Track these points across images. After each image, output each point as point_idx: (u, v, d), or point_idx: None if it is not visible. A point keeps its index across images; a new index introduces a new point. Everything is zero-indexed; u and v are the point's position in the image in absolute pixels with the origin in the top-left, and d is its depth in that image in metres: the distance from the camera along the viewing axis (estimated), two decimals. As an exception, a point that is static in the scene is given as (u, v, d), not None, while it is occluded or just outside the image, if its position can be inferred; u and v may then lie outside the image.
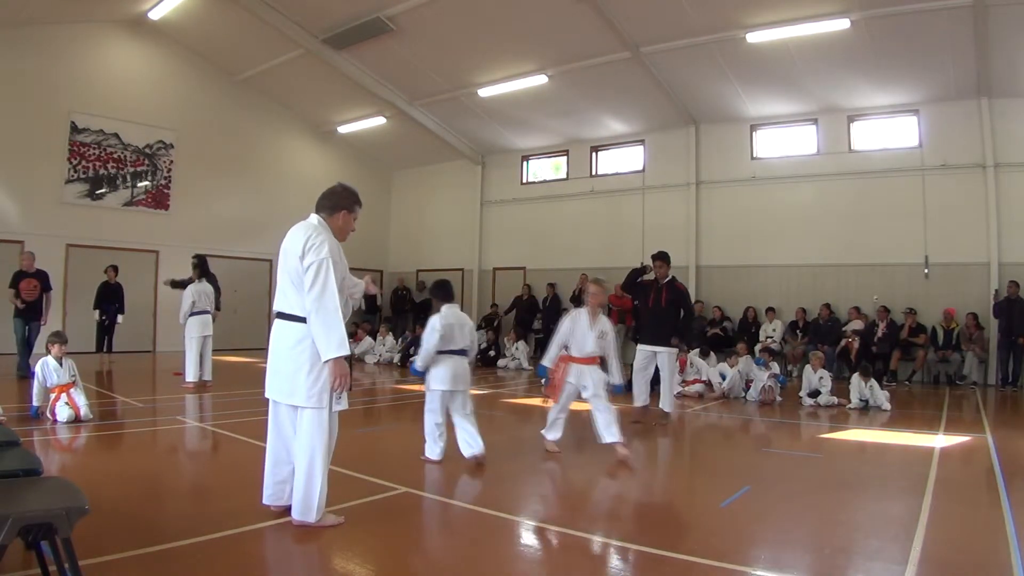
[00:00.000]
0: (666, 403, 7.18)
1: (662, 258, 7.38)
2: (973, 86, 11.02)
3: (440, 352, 4.96)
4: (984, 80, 10.80)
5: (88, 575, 2.31)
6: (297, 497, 3.33)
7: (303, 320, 3.27)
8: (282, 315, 3.37)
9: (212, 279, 9.96)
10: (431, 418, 4.96)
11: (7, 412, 5.84)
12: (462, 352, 5.08)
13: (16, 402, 6.97)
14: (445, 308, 5.11)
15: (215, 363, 9.51)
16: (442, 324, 4.98)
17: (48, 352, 6.23)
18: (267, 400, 3.51)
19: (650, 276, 7.49)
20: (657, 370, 7.31)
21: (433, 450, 4.94)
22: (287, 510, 3.43)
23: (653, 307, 7.23)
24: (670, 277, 7.33)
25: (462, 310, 5.40)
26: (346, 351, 3.23)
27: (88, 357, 11.06)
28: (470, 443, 4.90)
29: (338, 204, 3.49)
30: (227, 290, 14.21)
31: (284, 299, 3.37)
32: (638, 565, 3.13)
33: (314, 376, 3.27)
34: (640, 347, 7.32)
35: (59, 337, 6.31)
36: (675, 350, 7.27)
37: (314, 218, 3.46)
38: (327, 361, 3.22)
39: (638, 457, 5.62)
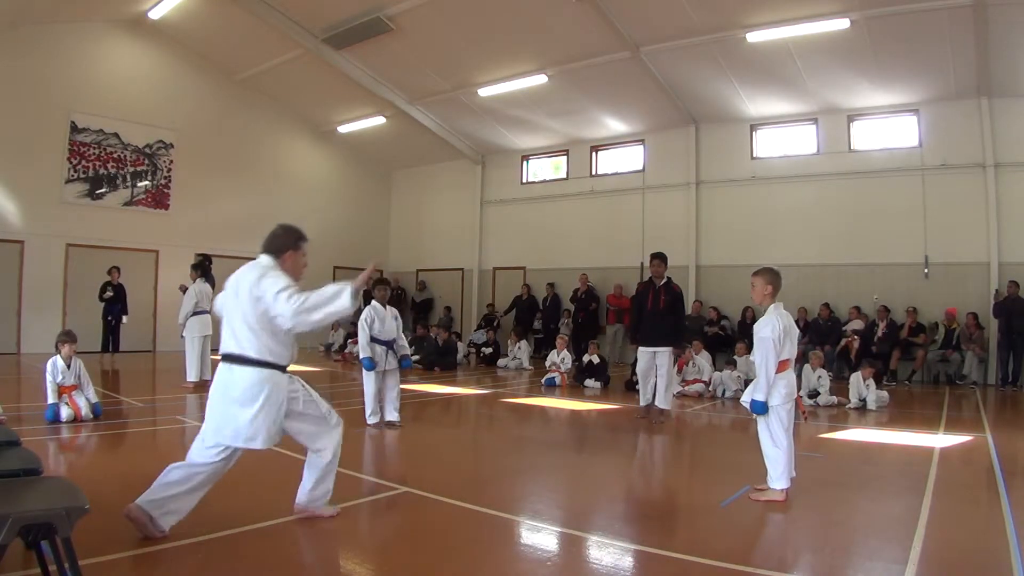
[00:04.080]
0: (663, 401, 7.24)
1: (659, 258, 7.44)
2: (973, 86, 11.02)
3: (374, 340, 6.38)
4: (984, 80, 10.80)
5: (88, 575, 2.31)
6: (304, 491, 3.52)
7: (257, 364, 3.15)
8: (231, 357, 3.19)
9: (211, 280, 9.98)
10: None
11: (7, 412, 5.83)
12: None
13: (16, 402, 6.97)
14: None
15: (215, 363, 9.49)
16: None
17: (58, 351, 6.18)
18: None
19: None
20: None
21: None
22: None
23: (652, 309, 7.29)
24: (666, 279, 7.38)
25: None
26: (348, 287, 3.11)
27: (92, 357, 11.05)
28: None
29: (282, 247, 3.37)
30: (227, 290, 14.24)
31: (234, 340, 3.19)
32: (638, 565, 3.13)
33: (271, 417, 3.19)
34: (641, 349, 7.38)
35: (69, 336, 6.27)
36: (672, 349, 7.31)
37: (265, 259, 3.33)
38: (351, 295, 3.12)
39: (638, 457, 5.62)
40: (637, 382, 9.68)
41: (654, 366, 7.27)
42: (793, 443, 4.20)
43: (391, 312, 6.53)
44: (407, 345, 6.90)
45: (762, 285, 4.29)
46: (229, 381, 3.19)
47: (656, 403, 7.24)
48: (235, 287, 3.27)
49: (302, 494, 3.53)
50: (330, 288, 3.12)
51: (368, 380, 6.41)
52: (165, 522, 3.12)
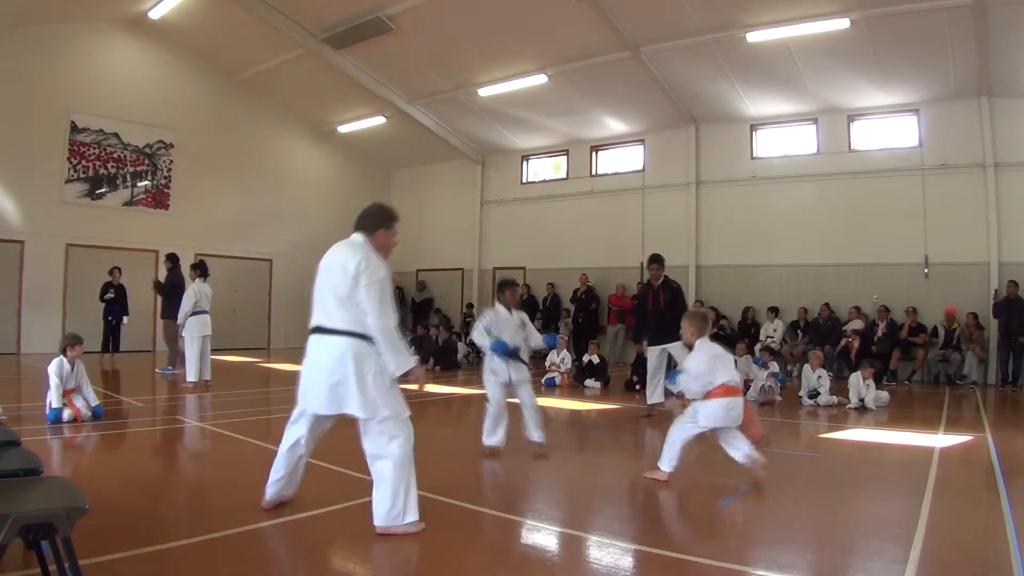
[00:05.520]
0: (656, 396, 7.41)
1: (656, 260, 7.62)
2: (973, 86, 11.02)
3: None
4: (984, 80, 10.80)
5: (88, 575, 2.31)
6: (385, 505, 3.27)
7: (349, 335, 3.29)
8: (323, 329, 3.36)
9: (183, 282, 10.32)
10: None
11: (7, 412, 5.83)
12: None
13: (16, 402, 6.98)
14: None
15: (214, 363, 9.51)
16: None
17: (65, 354, 6.16)
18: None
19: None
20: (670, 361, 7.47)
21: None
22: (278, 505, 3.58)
23: (654, 309, 7.44)
24: (663, 278, 7.50)
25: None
26: (411, 363, 3.34)
27: (92, 357, 11.05)
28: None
29: (374, 223, 3.52)
30: (227, 290, 14.26)
31: (325, 314, 3.36)
32: (638, 565, 3.13)
33: (367, 385, 3.28)
34: (650, 348, 7.47)
35: (77, 340, 6.27)
36: (681, 343, 7.34)
37: (357, 237, 3.48)
38: (400, 375, 3.33)
39: (638, 457, 5.62)
40: (637, 382, 9.75)
41: (663, 364, 7.34)
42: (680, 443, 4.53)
43: (518, 317, 5.56)
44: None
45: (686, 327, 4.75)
46: (320, 349, 3.37)
47: (678, 395, 7.35)
48: (329, 263, 3.41)
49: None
50: (404, 347, 3.36)
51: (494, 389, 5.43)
52: None
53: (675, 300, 7.44)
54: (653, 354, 7.41)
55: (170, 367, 10.09)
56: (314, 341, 3.40)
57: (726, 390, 4.48)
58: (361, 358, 3.27)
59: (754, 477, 4.49)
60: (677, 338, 7.18)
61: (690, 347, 4.79)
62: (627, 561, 3.17)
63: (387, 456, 3.29)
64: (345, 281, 3.28)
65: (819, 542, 3.46)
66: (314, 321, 3.42)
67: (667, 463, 4.52)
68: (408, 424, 3.37)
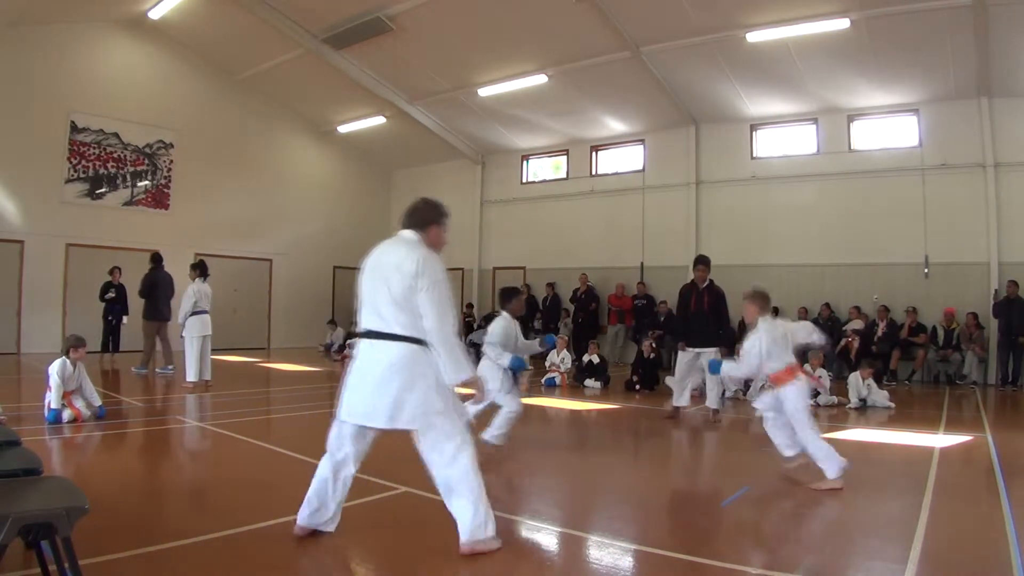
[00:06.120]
0: (713, 400, 7.31)
1: (703, 262, 7.61)
2: (973, 86, 11.02)
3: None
4: (984, 80, 10.80)
5: (88, 575, 2.31)
6: (468, 513, 3.09)
7: (406, 339, 3.06)
8: (376, 334, 3.10)
9: (171, 282, 10.65)
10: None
11: (7, 412, 5.84)
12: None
13: (16, 402, 6.98)
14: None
15: (214, 363, 9.51)
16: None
17: (68, 355, 6.16)
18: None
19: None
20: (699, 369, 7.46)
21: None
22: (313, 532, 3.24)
23: (696, 311, 7.39)
24: (709, 281, 7.45)
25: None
26: (469, 372, 3.12)
27: (92, 357, 11.05)
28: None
29: (426, 219, 3.29)
30: (227, 290, 14.26)
31: (378, 318, 3.10)
32: (638, 565, 3.13)
33: (421, 397, 3.06)
34: (685, 350, 7.43)
35: (81, 342, 6.28)
36: (717, 350, 7.32)
37: (408, 234, 3.26)
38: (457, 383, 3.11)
39: (638, 457, 5.62)
40: (637, 382, 9.75)
41: (695, 368, 7.32)
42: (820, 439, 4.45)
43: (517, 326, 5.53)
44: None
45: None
46: (374, 355, 3.11)
47: (707, 403, 7.37)
48: (381, 263, 3.17)
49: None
50: (463, 355, 3.11)
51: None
52: None
53: (718, 304, 7.38)
54: (686, 357, 7.36)
55: (143, 368, 10.27)
56: (366, 347, 3.15)
57: (791, 370, 4.46)
58: (419, 365, 3.06)
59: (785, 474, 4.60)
60: (714, 344, 7.21)
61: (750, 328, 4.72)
62: (627, 561, 3.17)
63: (454, 467, 3.07)
64: (402, 282, 3.04)
65: (819, 542, 3.46)
66: (364, 325, 3.16)
67: (833, 470, 4.31)
68: (467, 432, 3.18)
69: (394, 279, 3.07)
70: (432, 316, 3.03)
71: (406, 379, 3.03)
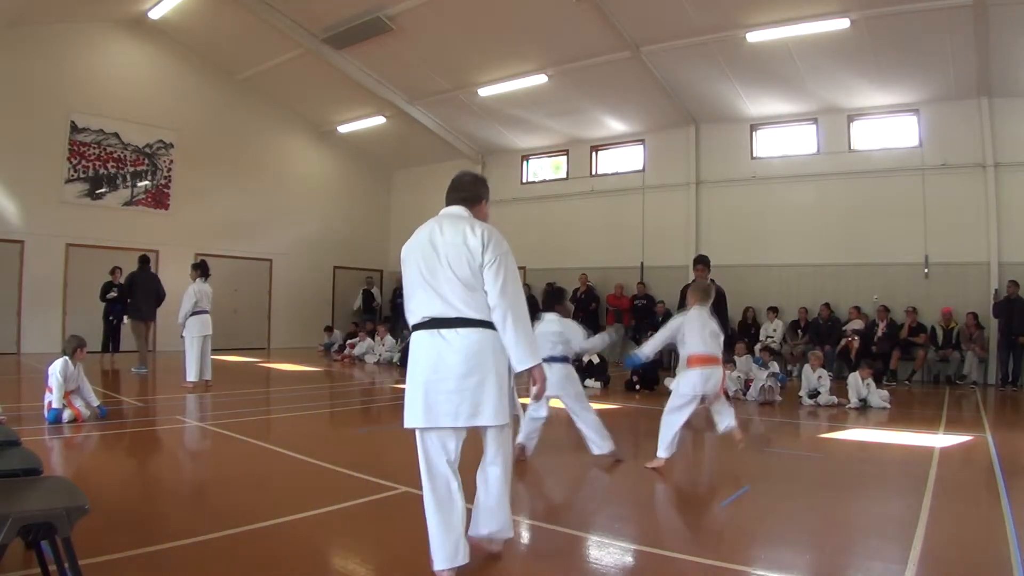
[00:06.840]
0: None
1: (702, 262, 7.60)
2: (973, 86, 11.02)
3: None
4: (984, 80, 10.80)
5: (88, 575, 2.31)
6: (502, 518, 2.96)
7: (483, 324, 2.76)
8: (446, 321, 2.76)
9: (154, 283, 10.80)
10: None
11: (7, 412, 5.84)
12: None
13: (16, 402, 6.97)
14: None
15: (214, 363, 9.52)
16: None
17: (73, 356, 6.16)
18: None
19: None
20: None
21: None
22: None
23: None
24: (708, 280, 7.44)
25: None
26: (535, 360, 2.80)
27: (93, 357, 11.06)
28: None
29: (477, 194, 3.06)
30: (227, 290, 14.27)
31: (444, 302, 2.77)
32: (638, 565, 3.13)
33: (500, 389, 2.79)
34: None
35: (83, 342, 6.30)
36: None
37: (459, 209, 2.98)
38: (523, 370, 2.80)
39: (638, 457, 5.62)
40: (637, 382, 9.75)
41: None
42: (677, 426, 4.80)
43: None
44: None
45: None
46: (447, 347, 2.76)
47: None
48: (436, 242, 2.85)
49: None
50: (535, 339, 2.86)
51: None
52: None
53: (717, 304, 7.36)
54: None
55: (143, 367, 10.35)
56: (430, 338, 2.78)
57: (701, 359, 4.75)
58: (498, 353, 2.77)
59: (738, 444, 5.04)
60: None
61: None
62: (627, 561, 3.17)
63: (499, 464, 2.92)
64: (472, 259, 2.75)
65: (819, 542, 3.46)
66: (426, 312, 2.80)
67: (664, 449, 4.74)
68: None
69: (458, 258, 2.77)
70: (504, 292, 2.75)
71: (489, 368, 2.75)
